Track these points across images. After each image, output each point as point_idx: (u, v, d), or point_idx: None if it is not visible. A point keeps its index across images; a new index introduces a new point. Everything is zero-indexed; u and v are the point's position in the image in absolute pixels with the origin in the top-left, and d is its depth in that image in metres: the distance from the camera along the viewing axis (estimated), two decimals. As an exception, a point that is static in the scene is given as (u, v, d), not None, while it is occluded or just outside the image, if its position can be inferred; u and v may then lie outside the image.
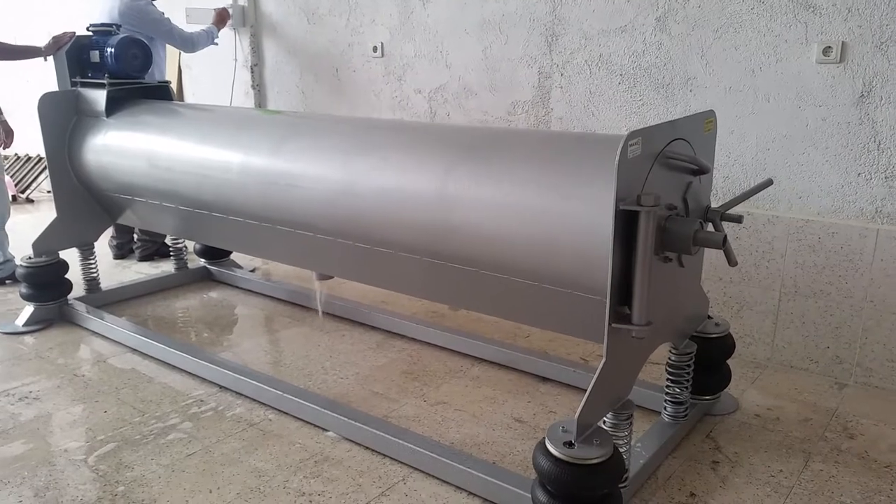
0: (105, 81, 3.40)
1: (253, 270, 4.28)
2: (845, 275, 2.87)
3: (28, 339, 3.35)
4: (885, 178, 2.77)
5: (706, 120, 2.27)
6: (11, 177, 6.40)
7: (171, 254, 4.13)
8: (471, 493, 2.17)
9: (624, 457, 2.00)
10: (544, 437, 1.85)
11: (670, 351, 2.42)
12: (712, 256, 2.54)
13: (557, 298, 2.13)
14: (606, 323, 1.86)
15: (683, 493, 2.19)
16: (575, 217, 2.02)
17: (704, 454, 2.40)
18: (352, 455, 2.38)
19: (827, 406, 2.71)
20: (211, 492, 2.20)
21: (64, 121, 3.48)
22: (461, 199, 2.24)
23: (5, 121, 3.97)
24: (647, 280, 1.82)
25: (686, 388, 2.44)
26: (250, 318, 3.61)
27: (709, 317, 2.58)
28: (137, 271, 4.32)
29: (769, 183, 2.37)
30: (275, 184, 2.70)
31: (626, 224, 1.82)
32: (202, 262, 4.19)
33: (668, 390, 2.45)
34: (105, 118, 3.40)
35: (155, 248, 4.54)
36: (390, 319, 3.41)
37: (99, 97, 3.42)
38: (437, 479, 2.24)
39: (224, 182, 2.87)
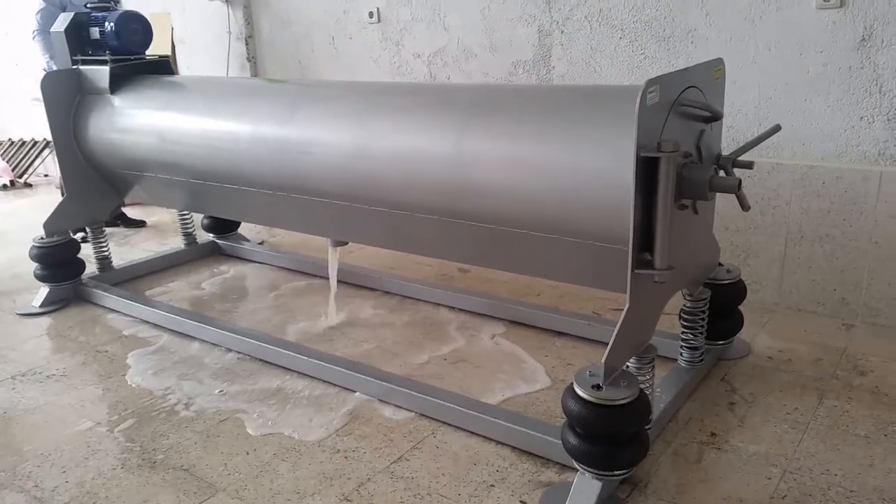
0: (107, 58, 3.40)
1: (261, 243, 4.31)
2: (850, 218, 2.93)
3: (46, 319, 3.38)
4: (888, 120, 2.82)
5: (715, 68, 2.31)
6: (8, 162, 6.37)
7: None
8: (499, 443, 2.24)
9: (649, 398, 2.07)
10: (572, 382, 1.91)
11: (685, 297, 2.48)
12: (718, 206, 2.58)
13: (577, 250, 2.18)
14: (629, 269, 1.91)
15: (704, 433, 2.26)
16: (591, 168, 2.06)
17: (721, 396, 2.47)
18: (380, 413, 2.45)
19: (836, 346, 2.79)
20: (248, 454, 2.26)
21: (68, 100, 3.47)
22: (477, 157, 2.27)
23: None
24: (667, 225, 1.87)
25: (701, 333, 2.51)
26: (263, 288, 3.65)
27: (720, 264, 2.64)
28: (146, 249, 4.34)
29: (777, 129, 2.41)
30: (287, 151, 2.73)
31: (645, 171, 1.86)
32: (210, 236, 4.22)
33: (683, 336, 2.52)
34: (109, 95, 3.40)
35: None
36: (402, 284, 3.46)
37: (102, 74, 3.41)
38: (466, 430, 2.31)
39: (235, 152, 2.89)
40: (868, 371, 2.59)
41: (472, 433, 2.30)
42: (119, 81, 3.42)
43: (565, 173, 2.11)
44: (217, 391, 2.64)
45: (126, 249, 4.33)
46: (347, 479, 2.11)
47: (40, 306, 3.46)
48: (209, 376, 2.76)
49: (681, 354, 2.54)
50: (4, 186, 6.16)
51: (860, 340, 2.82)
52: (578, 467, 1.95)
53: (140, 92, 3.36)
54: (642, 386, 2.06)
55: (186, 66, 5.33)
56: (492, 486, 2.05)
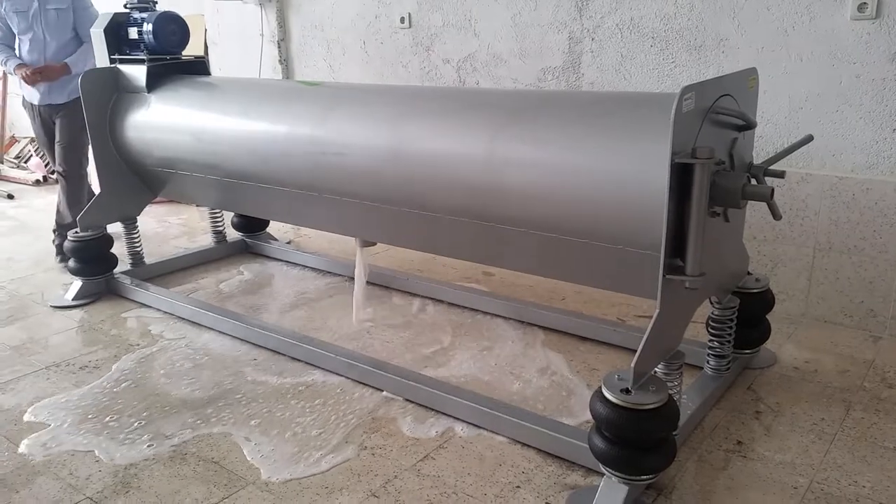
0: (145, 57, 3.46)
1: (289, 242, 4.36)
2: (880, 230, 2.91)
3: (79, 312, 3.45)
4: (920, 133, 2.81)
5: (750, 77, 2.32)
6: (42, 158, 6.48)
7: None
8: (525, 445, 2.26)
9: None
10: (601, 386, 1.93)
11: (713, 305, 2.49)
12: (747, 216, 2.58)
13: (607, 255, 2.20)
14: (661, 274, 1.92)
15: (730, 442, 2.27)
16: (623, 173, 2.08)
17: (747, 405, 2.47)
18: (406, 412, 2.47)
19: (864, 358, 2.77)
20: (274, 449, 2.30)
21: (105, 98, 3.54)
22: (509, 161, 2.30)
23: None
24: (700, 232, 1.88)
25: (728, 341, 2.51)
26: (291, 287, 3.70)
27: (749, 273, 2.64)
28: (176, 246, 4.40)
29: (810, 139, 2.41)
30: (321, 153, 2.77)
31: (679, 178, 1.88)
32: (239, 235, 4.27)
33: (710, 344, 2.52)
34: (146, 94, 3.47)
35: None
36: (428, 286, 3.49)
37: (139, 73, 3.48)
38: (492, 431, 2.33)
39: (269, 152, 2.94)
40: (896, 384, 2.59)
41: (498, 433, 2.32)
42: (156, 80, 3.49)
43: (597, 178, 2.13)
44: (245, 387, 2.68)
45: (154, 246, 4.39)
46: (375, 475, 2.14)
47: (73, 299, 3.53)
48: (238, 372, 2.80)
49: (707, 362, 2.54)
50: (37, 182, 6.28)
51: (888, 353, 2.81)
52: (605, 471, 1.96)
53: (176, 91, 3.43)
54: (670, 392, 2.07)
55: (219, 68, 5.40)
56: (517, 487, 2.07)
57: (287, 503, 2.04)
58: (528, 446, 2.25)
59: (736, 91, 2.18)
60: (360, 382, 2.66)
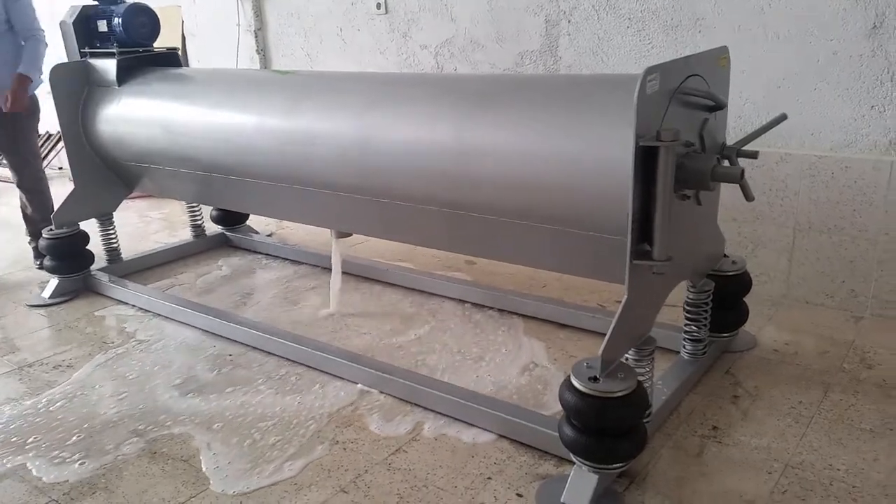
0: (115, 51, 3.41)
1: (270, 235, 4.32)
2: (860, 209, 2.88)
3: (56, 310, 3.41)
4: (899, 109, 2.77)
5: (720, 56, 2.28)
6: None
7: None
8: (499, 436, 2.23)
9: (647, 391, 2.05)
10: (569, 374, 1.90)
11: (688, 289, 2.46)
12: (725, 197, 2.55)
13: (579, 241, 2.16)
14: (628, 259, 1.89)
15: (706, 427, 2.24)
16: (593, 158, 2.04)
17: (725, 389, 2.45)
18: (381, 404, 2.45)
19: (844, 338, 2.75)
20: (247, 443, 2.27)
21: (76, 92, 3.49)
22: (479, 148, 2.26)
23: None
24: (666, 215, 1.85)
25: (704, 325, 2.48)
26: (270, 280, 3.66)
27: (725, 255, 2.61)
28: (157, 241, 4.36)
29: (784, 118, 2.37)
30: (291, 143, 2.73)
31: (645, 161, 1.84)
32: (219, 228, 4.23)
33: (686, 328, 2.49)
34: (117, 87, 3.42)
35: None
36: (408, 275, 3.46)
37: (109, 67, 3.43)
38: (466, 422, 2.30)
39: (239, 143, 2.89)
40: (876, 364, 2.56)
41: (471, 425, 2.29)
42: (126, 74, 3.43)
43: (567, 163, 2.09)
44: (219, 383, 2.65)
45: (136, 242, 4.35)
46: (345, 470, 2.11)
47: (50, 297, 3.49)
48: (214, 367, 2.77)
49: (684, 346, 2.51)
50: (19, 179, 6.21)
51: (869, 333, 2.78)
52: (575, 460, 1.93)
53: (147, 84, 3.38)
54: (641, 378, 2.04)
55: (197, 59, 5.34)
56: (489, 478, 2.04)
57: (254, 501, 2.01)
58: (502, 437, 2.23)
59: (706, 71, 2.14)
60: (336, 375, 2.63)
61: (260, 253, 4.06)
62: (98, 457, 2.24)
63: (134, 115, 3.34)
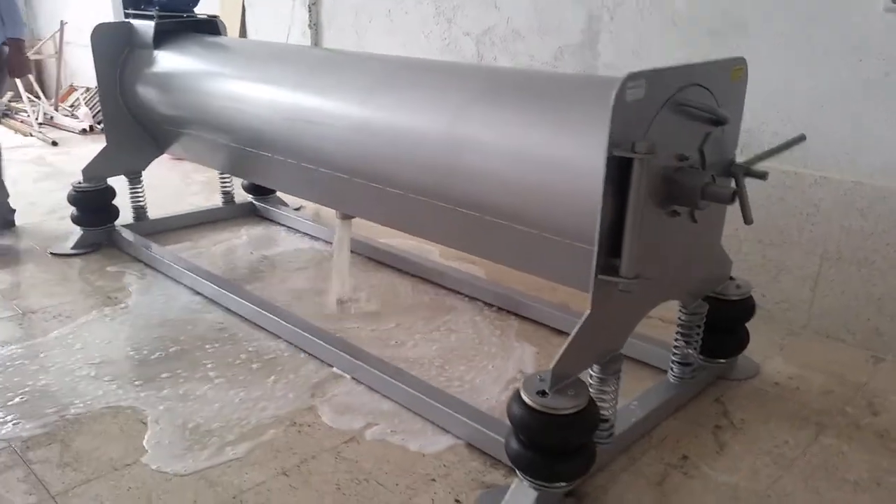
0: (154, 13, 3.47)
1: (298, 209, 4.34)
2: (893, 242, 2.67)
3: (76, 261, 3.52)
4: (946, 139, 2.54)
5: (734, 67, 2.13)
6: (91, 108, 6.67)
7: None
8: (456, 437, 2.17)
9: (605, 411, 1.95)
10: (519, 386, 1.82)
11: (680, 310, 2.32)
12: (756, 217, 2.37)
13: (557, 248, 2.07)
14: (593, 273, 1.80)
15: (675, 455, 2.12)
16: (576, 163, 1.94)
17: (708, 418, 2.31)
18: (348, 391, 2.42)
19: (856, 380, 2.55)
20: (190, 425, 2.27)
21: (115, 51, 3.57)
22: (469, 142, 2.18)
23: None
24: (636, 231, 1.74)
25: (694, 349, 2.34)
26: (286, 255, 3.68)
27: (731, 278, 2.45)
28: (191, 203, 4.45)
29: (802, 138, 2.21)
30: (299, 119, 2.71)
31: (621, 172, 1.74)
32: (249, 197, 4.28)
33: (674, 350, 2.36)
34: (153, 50, 3.48)
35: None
36: (415, 263, 3.40)
37: (148, 29, 3.49)
38: (426, 419, 2.25)
39: (254, 116, 2.90)
40: (883, 411, 2.37)
41: (432, 422, 2.23)
42: (163, 38, 3.49)
43: (551, 167, 1.99)
44: (202, 353, 2.67)
45: (173, 202, 4.44)
46: (293, 454, 2.09)
47: (72, 248, 3.61)
48: (201, 336, 2.80)
49: (671, 369, 2.38)
50: (84, 131, 6.47)
51: (885, 377, 2.58)
52: (518, 474, 1.86)
53: (181, 49, 3.42)
54: (603, 398, 1.95)
55: (255, 30, 5.40)
56: (433, 480, 1.99)
57: (198, 476, 2.01)
58: (459, 439, 2.16)
59: (711, 82, 2.00)
60: (314, 356, 2.61)
61: (283, 225, 4.08)
62: (60, 410, 2.30)
63: (165, 79, 3.39)
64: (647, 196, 1.78)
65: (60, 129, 6.61)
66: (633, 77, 1.70)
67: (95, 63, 3.53)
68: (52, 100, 7.13)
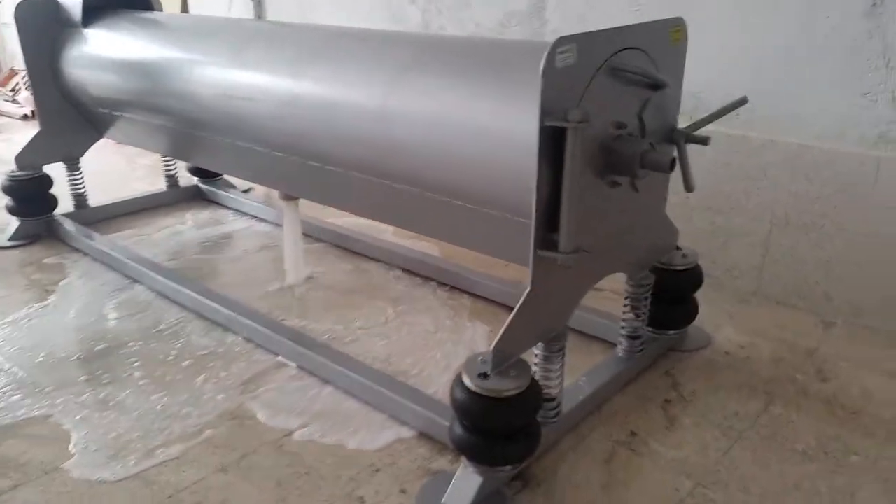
0: (80, -10, 3.30)
1: (247, 191, 4.21)
2: (841, 206, 2.64)
3: (14, 253, 3.38)
4: (893, 99, 2.51)
5: (673, 28, 2.06)
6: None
7: None
8: (403, 423, 2.11)
9: (551, 390, 1.90)
10: (461, 369, 1.76)
11: (626, 282, 2.28)
12: (700, 184, 2.33)
13: (498, 224, 2.00)
14: (531, 249, 1.73)
15: (624, 432, 2.08)
16: (512, 135, 1.86)
17: (658, 392, 2.28)
18: (293, 377, 2.35)
19: (806, 346, 2.54)
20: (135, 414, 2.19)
21: (43, 31, 3.39)
22: (401, 114, 2.09)
23: None
24: (574, 204, 1.68)
25: (642, 321, 2.30)
26: (234, 239, 3.57)
27: (678, 247, 2.41)
28: (135, 188, 4.29)
29: (744, 101, 2.15)
30: (234, 97, 2.59)
31: (556, 142, 1.66)
32: (195, 180, 4.14)
33: (622, 323, 2.32)
34: (82, 28, 3.32)
35: None
36: (369, 244, 3.32)
37: (75, 6, 3.32)
38: (372, 407, 2.18)
39: (188, 95, 2.77)
40: (831, 378, 2.35)
41: (378, 410, 2.17)
42: (92, 15, 3.32)
43: (487, 138, 1.91)
44: (141, 343, 2.58)
45: (117, 188, 4.28)
46: (233, 449, 2.01)
47: (9, 240, 3.46)
48: (143, 327, 2.70)
49: (619, 343, 2.34)
50: (25, 116, 6.22)
51: (836, 341, 2.57)
52: (462, 459, 1.80)
53: (111, 27, 3.26)
54: (549, 376, 1.90)
55: (197, 3, 5.22)
56: (377, 470, 1.93)
57: (136, 480, 1.93)
58: (407, 425, 2.10)
59: (648, 45, 1.93)
60: (259, 345, 2.53)
61: (231, 208, 3.96)
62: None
63: (94, 58, 3.23)
64: (583, 167, 1.71)
65: (1, 114, 6.36)
66: (562, 42, 1.62)
67: (21, 43, 3.36)
68: (-8, 84, 6.86)
